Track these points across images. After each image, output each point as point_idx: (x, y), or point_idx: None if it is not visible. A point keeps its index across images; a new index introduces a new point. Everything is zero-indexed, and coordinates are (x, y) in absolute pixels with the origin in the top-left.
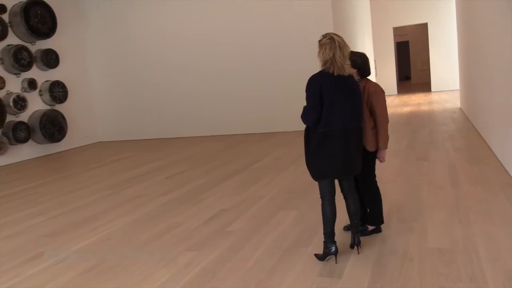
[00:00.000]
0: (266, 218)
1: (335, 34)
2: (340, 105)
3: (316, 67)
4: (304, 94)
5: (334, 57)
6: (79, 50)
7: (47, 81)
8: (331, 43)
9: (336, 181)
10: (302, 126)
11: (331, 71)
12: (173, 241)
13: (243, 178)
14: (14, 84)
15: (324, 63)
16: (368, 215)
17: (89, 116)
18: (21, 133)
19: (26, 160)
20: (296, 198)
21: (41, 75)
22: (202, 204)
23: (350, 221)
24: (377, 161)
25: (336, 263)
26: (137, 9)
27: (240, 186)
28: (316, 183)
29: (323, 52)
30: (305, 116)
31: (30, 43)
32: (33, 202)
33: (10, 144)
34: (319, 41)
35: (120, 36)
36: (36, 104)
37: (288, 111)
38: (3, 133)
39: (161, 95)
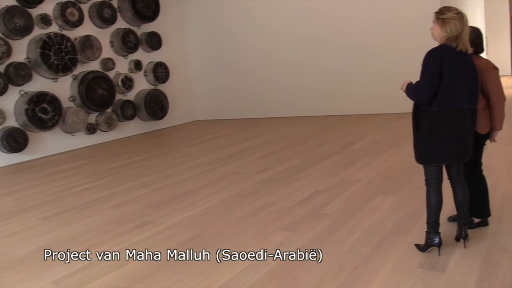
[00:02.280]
0: (362, 202)
1: (459, 9)
2: (459, 83)
3: (419, 45)
4: (409, 71)
5: (461, 33)
6: (180, 33)
7: (151, 62)
8: (461, 18)
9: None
10: (402, 108)
11: (454, 46)
12: (268, 220)
13: (338, 160)
14: (122, 65)
15: (448, 38)
16: (472, 207)
17: (188, 96)
18: (128, 111)
19: (132, 135)
20: (395, 183)
21: (145, 57)
22: (296, 184)
23: (457, 211)
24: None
25: (439, 255)
26: None
27: (336, 168)
28: (418, 168)
29: (451, 28)
30: (417, 91)
31: (136, 26)
32: (138, 174)
33: (119, 120)
34: (440, 13)
35: (218, 19)
36: (141, 83)
37: (386, 92)
38: (113, 111)
39: (256, 76)
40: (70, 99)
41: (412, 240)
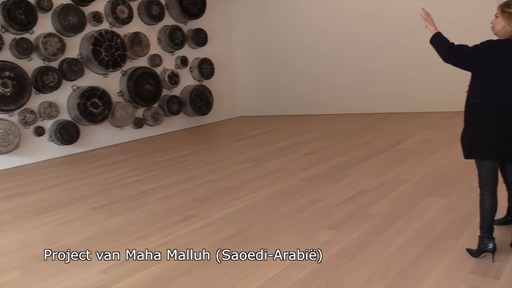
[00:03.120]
0: (411, 203)
1: None
2: None
3: (468, 43)
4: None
5: None
6: (225, 30)
7: (196, 58)
8: None
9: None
10: (451, 106)
11: None
12: (312, 218)
13: (385, 159)
14: (169, 62)
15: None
16: None
17: (232, 92)
18: (174, 106)
19: (177, 130)
20: (446, 184)
21: (191, 53)
22: (342, 182)
23: None
24: None
25: (492, 262)
26: None
27: (382, 167)
28: (470, 169)
29: None
30: (453, 51)
31: (183, 23)
32: (183, 168)
33: (165, 115)
34: (506, 7)
35: (263, 16)
36: (187, 79)
37: (435, 89)
38: (159, 106)
39: (301, 73)
40: (119, 94)
41: (463, 244)
